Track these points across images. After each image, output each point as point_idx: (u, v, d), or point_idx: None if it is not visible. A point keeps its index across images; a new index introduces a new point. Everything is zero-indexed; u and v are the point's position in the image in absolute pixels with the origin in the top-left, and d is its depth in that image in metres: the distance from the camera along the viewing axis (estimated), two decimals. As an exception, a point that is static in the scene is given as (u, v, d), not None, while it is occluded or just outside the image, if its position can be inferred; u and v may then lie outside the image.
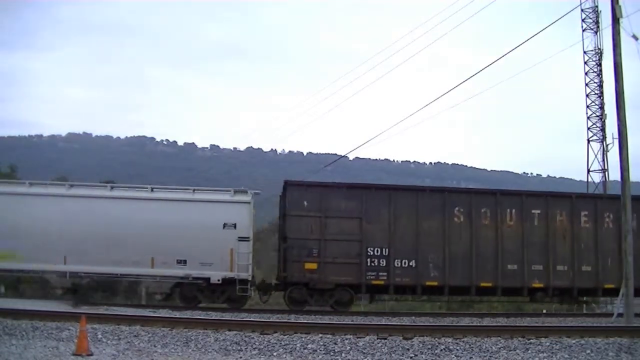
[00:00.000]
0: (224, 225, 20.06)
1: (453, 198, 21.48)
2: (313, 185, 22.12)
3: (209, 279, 19.98)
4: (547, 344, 11.41)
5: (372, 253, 20.60)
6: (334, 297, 20.64)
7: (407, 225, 20.92)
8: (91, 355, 9.88)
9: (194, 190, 21.33)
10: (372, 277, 20.57)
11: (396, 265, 20.61)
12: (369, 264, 20.55)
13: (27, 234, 19.68)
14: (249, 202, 20.41)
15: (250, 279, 20.12)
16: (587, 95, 35.38)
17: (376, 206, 20.84)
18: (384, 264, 20.59)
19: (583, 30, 34.90)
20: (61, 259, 19.81)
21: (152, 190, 21.10)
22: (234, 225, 20.06)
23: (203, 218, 20.15)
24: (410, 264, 20.68)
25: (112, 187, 21.82)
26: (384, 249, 20.60)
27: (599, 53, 34.62)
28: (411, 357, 10.67)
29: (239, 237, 19.99)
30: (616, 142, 17.22)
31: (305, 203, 20.69)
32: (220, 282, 19.96)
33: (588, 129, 35.50)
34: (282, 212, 21.53)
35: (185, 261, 19.99)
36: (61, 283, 20.05)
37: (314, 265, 20.23)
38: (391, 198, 21.03)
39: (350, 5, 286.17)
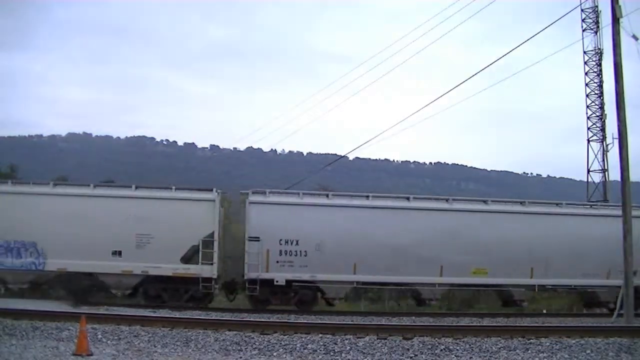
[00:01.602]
0: None
1: None
2: None
3: None
4: (547, 344, 11.44)
5: None
6: None
7: None
8: (91, 355, 9.89)
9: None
10: None
11: None
12: None
13: (495, 250, 21.44)
14: None
15: None
16: (587, 95, 35.23)
17: None
18: None
19: (583, 30, 34.75)
20: (528, 273, 21.71)
21: (592, 207, 23.49)
22: None
23: None
24: None
25: (560, 205, 22.97)
26: None
27: (599, 53, 34.46)
28: (411, 357, 10.68)
29: None
30: (616, 142, 17.21)
31: None
32: None
33: (588, 129, 35.38)
34: None
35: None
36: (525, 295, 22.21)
37: None
38: None
39: (350, 5, 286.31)
